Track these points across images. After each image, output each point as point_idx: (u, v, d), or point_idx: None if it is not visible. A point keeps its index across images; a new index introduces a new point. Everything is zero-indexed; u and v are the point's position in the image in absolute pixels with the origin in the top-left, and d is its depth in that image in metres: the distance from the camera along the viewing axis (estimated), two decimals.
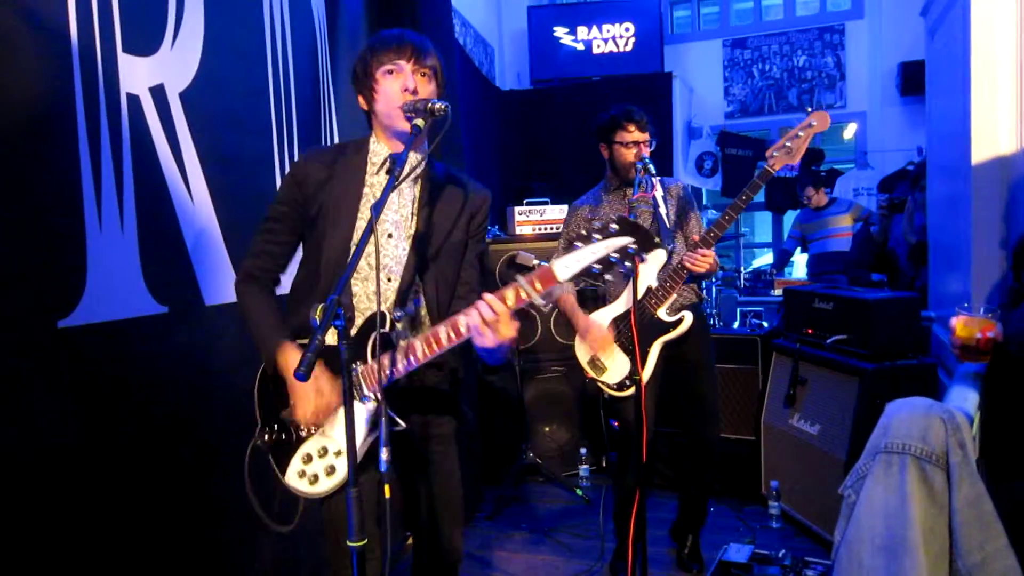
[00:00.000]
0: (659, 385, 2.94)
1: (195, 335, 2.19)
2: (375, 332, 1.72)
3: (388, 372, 1.71)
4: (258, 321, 1.88)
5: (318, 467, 1.80)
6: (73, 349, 1.73)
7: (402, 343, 1.72)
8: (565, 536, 3.62)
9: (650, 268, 2.85)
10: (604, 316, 2.94)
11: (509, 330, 1.59)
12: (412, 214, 1.90)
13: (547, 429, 4.52)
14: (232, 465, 2.21)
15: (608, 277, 1.52)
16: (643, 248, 1.47)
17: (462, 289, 1.99)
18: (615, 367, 2.90)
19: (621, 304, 2.94)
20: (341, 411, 1.65)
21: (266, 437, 1.88)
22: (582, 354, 2.97)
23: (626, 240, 1.46)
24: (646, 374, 2.87)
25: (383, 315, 1.76)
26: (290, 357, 1.77)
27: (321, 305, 1.44)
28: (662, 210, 2.96)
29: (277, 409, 1.87)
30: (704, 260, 2.78)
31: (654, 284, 2.85)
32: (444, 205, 1.92)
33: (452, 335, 1.65)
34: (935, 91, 4.25)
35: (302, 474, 1.82)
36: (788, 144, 2.67)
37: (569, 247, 1.52)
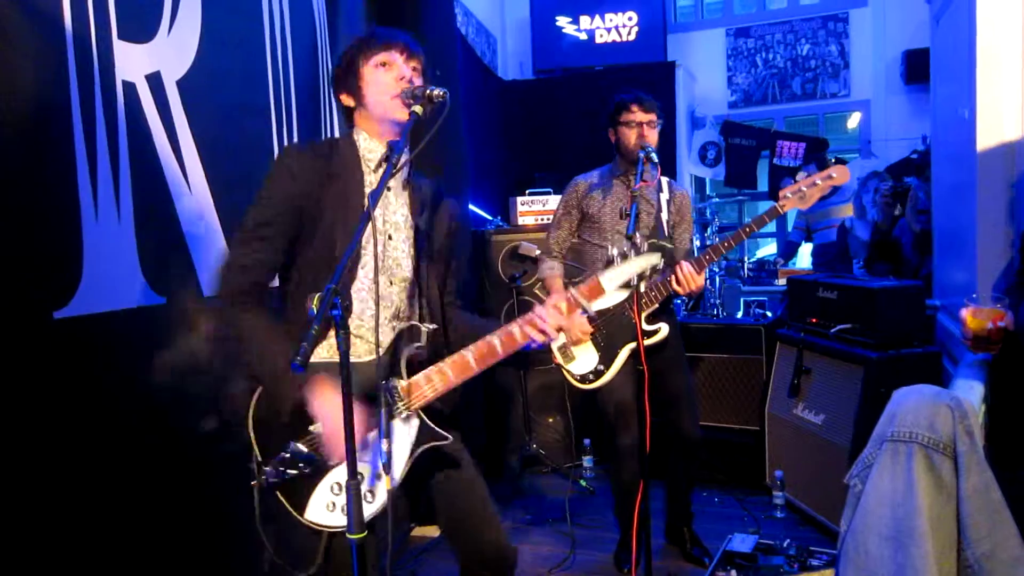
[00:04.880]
0: (633, 384, 2.91)
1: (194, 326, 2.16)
2: (407, 348, 1.71)
3: (437, 387, 1.71)
4: (264, 349, 1.64)
5: None
6: (70, 340, 1.71)
7: (449, 357, 1.74)
8: (569, 527, 3.61)
9: None
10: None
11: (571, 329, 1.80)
12: (407, 216, 1.88)
13: (550, 420, 4.51)
14: (233, 458, 2.20)
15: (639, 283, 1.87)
16: (668, 265, 1.83)
17: (448, 297, 1.99)
18: (583, 358, 2.95)
19: (606, 301, 2.93)
20: (370, 435, 1.65)
21: (273, 472, 1.67)
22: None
23: (655, 258, 1.81)
24: (610, 374, 2.91)
25: (417, 329, 1.75)
26: (324, 389, 1.61)
27: (318, 295, 1.41)
28: (664, 215, 2.96)
29: (286, 438, 1.68)
30: (693, 282, 2.68)
31: (641, 289, 2.83)
32: (432, 209, 1.93)
33: (507, 345, 1.75)
34: (940, 78, 4.22)
35: (332, 506, 1.64)
36: (804, 189, 2.70)
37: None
